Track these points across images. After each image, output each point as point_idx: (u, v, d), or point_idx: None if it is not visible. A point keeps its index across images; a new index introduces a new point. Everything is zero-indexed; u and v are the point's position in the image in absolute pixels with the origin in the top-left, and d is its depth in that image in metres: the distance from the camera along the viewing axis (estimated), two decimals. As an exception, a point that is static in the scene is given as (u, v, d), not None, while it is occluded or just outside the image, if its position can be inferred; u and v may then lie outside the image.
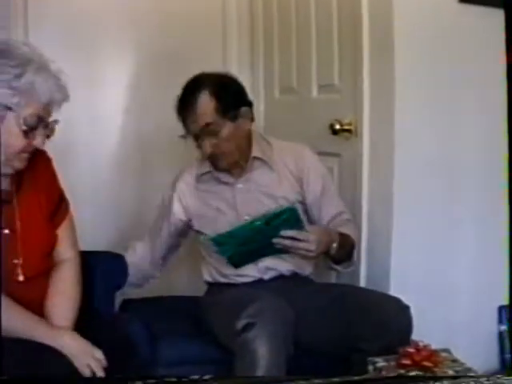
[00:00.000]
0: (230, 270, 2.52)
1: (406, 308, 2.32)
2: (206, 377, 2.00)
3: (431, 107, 2.59)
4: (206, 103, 2.46)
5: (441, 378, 1.95)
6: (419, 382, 1.96)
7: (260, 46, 3.50)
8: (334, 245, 2.44)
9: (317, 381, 1.92)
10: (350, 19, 2.75)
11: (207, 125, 2.45)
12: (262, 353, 2.14)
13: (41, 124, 1.99)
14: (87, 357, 1.99)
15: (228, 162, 2.53)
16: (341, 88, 2.87)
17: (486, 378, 1.94)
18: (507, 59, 1.98)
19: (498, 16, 2.51)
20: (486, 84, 2.61)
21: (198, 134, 2.46)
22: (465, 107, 2.62)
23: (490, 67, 2.58)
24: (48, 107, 1.99)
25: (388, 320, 2.26)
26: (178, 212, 2.62)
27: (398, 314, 2.30)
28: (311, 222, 2.60)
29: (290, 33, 3.22)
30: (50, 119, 2.03)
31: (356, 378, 2.05)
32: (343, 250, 2.49)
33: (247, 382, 2.13)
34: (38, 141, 2.00)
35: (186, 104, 2.48)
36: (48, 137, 2.03)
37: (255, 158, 2.57)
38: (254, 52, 3.54)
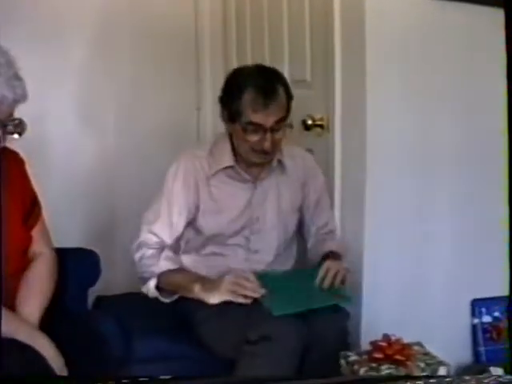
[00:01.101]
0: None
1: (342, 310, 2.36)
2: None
3: (403, 102, 2.59)
4: (284, 97, 2.39)
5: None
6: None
7: (233, 43, 3.52)
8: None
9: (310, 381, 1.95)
10: (322, 15, 2.76)
11: (281, 119, 2.38)
12: (271, 369, 2.15)
13: None
14: (62, 362, 1.98)
15: (271, 159, 2.48)
16: (313, 84, 2.89)
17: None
18: (507, 54, 1.98)
19: (470, 11, 2.54)
20: (460, 79, 2.62)
21: (266, 127, 2.37)
22: (438, 103, 2.63)
23: (464, 63, 2.60)
24: (2, 106, 1.91)
25: (324, 320, 2.28)
26: (189, 200, 2.49)
27: (335, 313, 2.32)
28: (302, 225, 2.63)
29: (263, 29, 3.24)
30: (12, 118, 1.95)
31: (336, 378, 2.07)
32: None
33: (222, 381, 2.14)
34: None
35: (266, 93, 2.34)
36: (20, 134, 2.00)
37: (278, 161, 2.53)
38: (227, 49, 3.55)
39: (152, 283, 2.43)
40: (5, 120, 1.94)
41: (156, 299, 2.48)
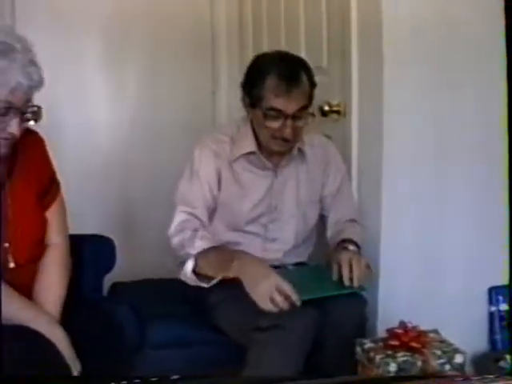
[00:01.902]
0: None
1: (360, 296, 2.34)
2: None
3: (420, 87, 2.57)
4: (306, 85, 2.36)
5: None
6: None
7: (249, 27, 3.51)
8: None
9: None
10: (339, 1, 2.75)
11: (304, 107, 2.35)
12: (282, 356, 2.14)
13: (11, 110, 1.88)
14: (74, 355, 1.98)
15: (291, 147, 2.45)
16: (329, 70, 2.87)
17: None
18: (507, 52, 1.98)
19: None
20: (475, 64, 2.59)
21: (287, 114, 2.33)
22: (455, 87, 2.60)
23: (480, 46, 2.58)
24: (18, 93, 1.88)
25: (342, 307, 2.26)
26: (215, 180, 2.47)
27: (352, 300, 2.30)
28: (322, 215, 2.61)
29: (279, 14, 3.23)
30: (30, 105, 1.92)
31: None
32: None
33: (240, 381, 2.14)
34: (12, 127, 1.90)
35: (289, 79, 2.32)
36: (36, 121, 1.98)
37: (299, 149, 2.50)
38: (242, 32, 3.55)
39: (189, 266, 2.34)
40: (22, 107, 1.91)
41: (171, 284, 2.48)
